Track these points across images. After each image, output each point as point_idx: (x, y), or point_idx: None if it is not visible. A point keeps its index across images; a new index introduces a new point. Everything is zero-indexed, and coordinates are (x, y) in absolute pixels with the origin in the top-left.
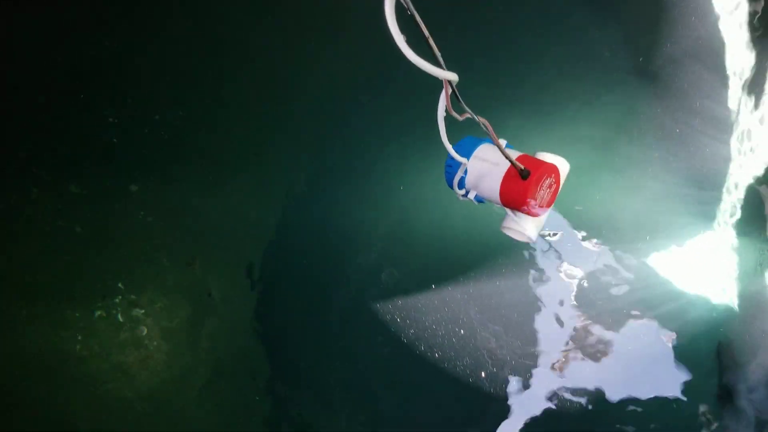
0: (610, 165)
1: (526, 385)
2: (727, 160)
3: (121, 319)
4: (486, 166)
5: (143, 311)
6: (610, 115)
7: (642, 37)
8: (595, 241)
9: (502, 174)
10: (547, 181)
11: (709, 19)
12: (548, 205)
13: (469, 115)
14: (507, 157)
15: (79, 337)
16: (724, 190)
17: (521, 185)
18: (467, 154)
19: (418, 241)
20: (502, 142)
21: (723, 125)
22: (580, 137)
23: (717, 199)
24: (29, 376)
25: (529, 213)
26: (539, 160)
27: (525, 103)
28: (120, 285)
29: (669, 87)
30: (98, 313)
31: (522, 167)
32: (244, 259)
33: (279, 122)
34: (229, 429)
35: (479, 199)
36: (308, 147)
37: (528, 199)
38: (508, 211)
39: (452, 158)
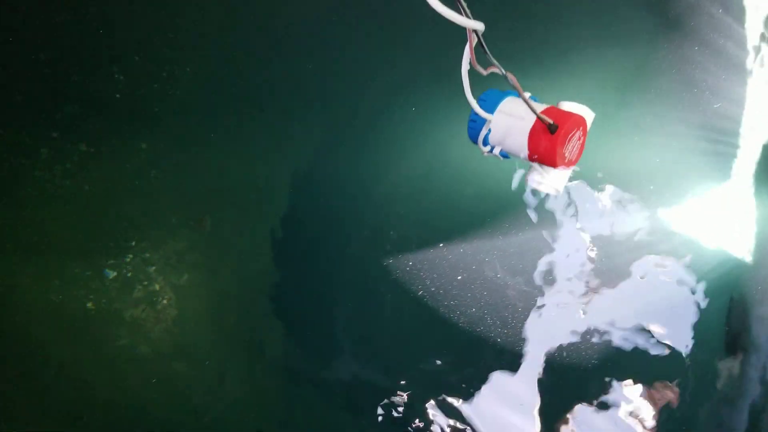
0: (628, 115)
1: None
2: (743, 109)
3: (132, 277)
4: (511, 121)
5: (154, 268)
6: (628, 63)
7: None
8: (611, 192)
9: (529, 129)
10: (576, 134)
11: None
12: (576, 159)
13: (494, 69)
14: (534, 112)
15: (91, 296)
16: (741, 142)
17: (550, 140)
18: (491, 109)
19: (434, 194)
20: (527, 94)
21: (741, 70)
22: (600, 86)
23: (733, 152)
24: (43, 333)
25: (556, 166)
26: (566, 112)
27: (549, 50)
28: (132, 243)
29: (688, 32)
30: (110, 271)
31: (550, 121)
32: (254, 216)
33: (292, 79)
34: (237, 380)
35: (504, 155)
36: (322, 102)
37: (557, 154)
38: (532, 163)
39: (476, 114)
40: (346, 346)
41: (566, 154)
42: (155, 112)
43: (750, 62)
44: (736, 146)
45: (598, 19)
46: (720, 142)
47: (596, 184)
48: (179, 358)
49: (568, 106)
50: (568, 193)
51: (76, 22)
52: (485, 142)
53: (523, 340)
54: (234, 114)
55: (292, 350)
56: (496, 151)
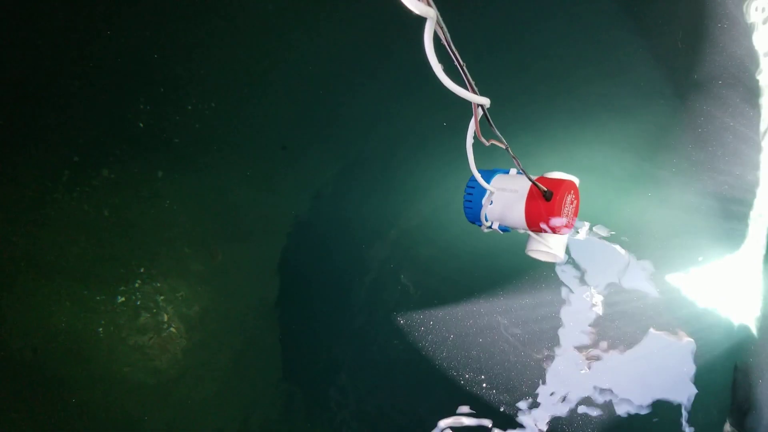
0: (639, 180)
1: (539, 394)
2: (756, 184)
3: (142, 304)
4: (506, 195)
5: (164, 297)
6: (641, 131)
7: (677, 56)
8: (617, 253)
9: (524, 199)
10: (569, 198)
11: (743, 39)
12: (573, 222)
13: (495, 142)
14: (531, 180)
15: (102, 321)
16: (753, 213)
17: (547, 206)
18: (483, 189)
19: (442, 245)
20: (513, 171)
21: (754, 147)
22: (609, 153)
23: (744, 222)
24: (51, 355)
25: (556, 231)
26: (556, 179)
27: (555, 119)
28: (143, 270)
29: (700, 106)
30: (120, 297)
31: (545, 189)
32: (267, 251)
33: (309, 120)
34: (241, 416)
35: (504, 228)
36: (337, 145)
37: (555, 219)
38: (532, 233)
39: (471, 195)
40: (349, 389)
41: (564, 218)
42: (175, 143)
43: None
44: (748, 215)
45: (611, 80)
46: (733, 209)
47: (604, 243)
48: (183, 389)
49: (555, 174)
50: (572, 256)
51: (110, 53)
52: (484, 218)
53: (524, 404)
54: (251, 150)
55: (296, 391)
56: (495, 225)
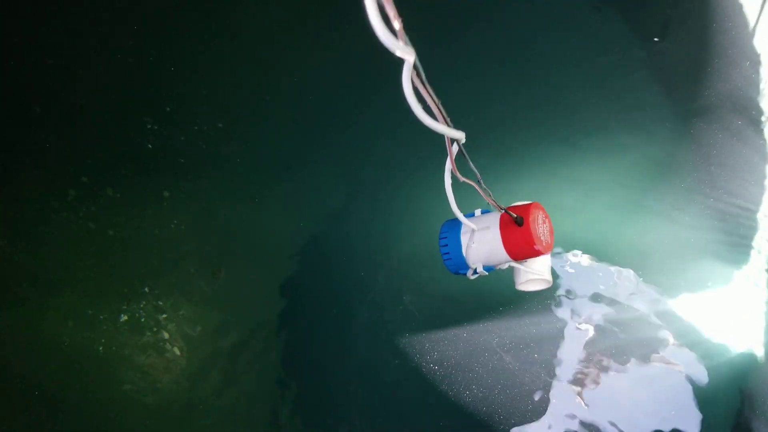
0: (644, 206)
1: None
2: (763, 199)
3: (144, 323)
4: (480, 234)
5: (166, 316)
6: (643, 157)
7: (682, 83)
8: (618, 279)
9: (498, 232)
10: (540, 217)
11: (747, 69)
12: (551, 241)
13: (466, 180)
14: (501, 208)
15: (103, 340)
16: (758, 241)
17: (521, 231)
18: (456, 236)
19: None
20: (478, 210)
21: (759, 175)
22: (611, 178)
23: (749, 250)
24: (51, 373)
25: (538, 253)
26: (521, 204)
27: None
28: (146, 289)
29: (705, 133)
30: (123, 316)
31: (515, 215)
32: (270, 271)
33: (314, 141)
34: None
35: (488, 269)
36: (340, 166)
37: (534, 239)
38: (515, 266)
39: (446, 245)
40: (353, 411)
41: (542, 238)
42: (181, 163)
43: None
44: (752, 238)
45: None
46: (737, 232)
47: (608, 269)
48: (183, 409)
49: (518, 203)
50: (574, 278)
51: (117, 73)
52: (467, 267)
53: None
54: (257, 171)
55: (300, 411)
56: (480, 268)
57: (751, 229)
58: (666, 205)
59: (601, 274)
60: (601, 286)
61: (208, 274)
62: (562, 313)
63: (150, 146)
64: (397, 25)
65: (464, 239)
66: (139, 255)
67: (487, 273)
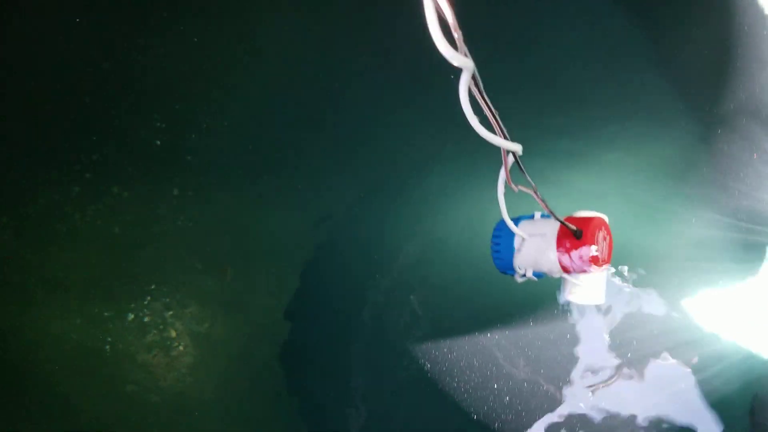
0: (657, 206)
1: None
2: None
3: (151, 321)
4: (536, 240)
5: (173, 313)
6: (660, 160)
7: (703, 88)
8: (631, 281)
9: (554, 241)
10: (601, 235)
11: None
12: (608, 259)
13: (522, 188)
14: (559, 220)
15: (109, 338)
16: None
17: (578, 245)
18: (510, 238)
19: (453, 268)
20: (537, 214)
21: None
22: (627, 182)
23: (763, 252)
24: (58, 371)
25: (590, 270)
26: (585, 217)
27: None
28: (153, 287)
29: (724, 137)
30: (130, 314)
31: (574, 227)
32: (278, 269)
33: (324, 141)
34: None
35: (538, 275)
36: (351, 167)
37: (590, 257)
38: (567, 277)
39: (498, 245)
40: (360, 412)
41: (599, 255)
42: (188, 160)
43: None
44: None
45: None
46: (752, 232)
47: (621, 274)
48: (189, 408)
49: (582, 213)
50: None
51: (123, 70)
52: (514, 269)
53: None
54: (266, 169)
55: (306, 412)
56: (530, 273)
57: (765, 230)
58: (679, 206)
59: (614, 276)
60: (614, 289)
61: (216, 272)
62: (574, 315)
63: (158, 143)
64: (456, 35)
65: (517, 240)
66: (146, 253)
67: (536, 279)
